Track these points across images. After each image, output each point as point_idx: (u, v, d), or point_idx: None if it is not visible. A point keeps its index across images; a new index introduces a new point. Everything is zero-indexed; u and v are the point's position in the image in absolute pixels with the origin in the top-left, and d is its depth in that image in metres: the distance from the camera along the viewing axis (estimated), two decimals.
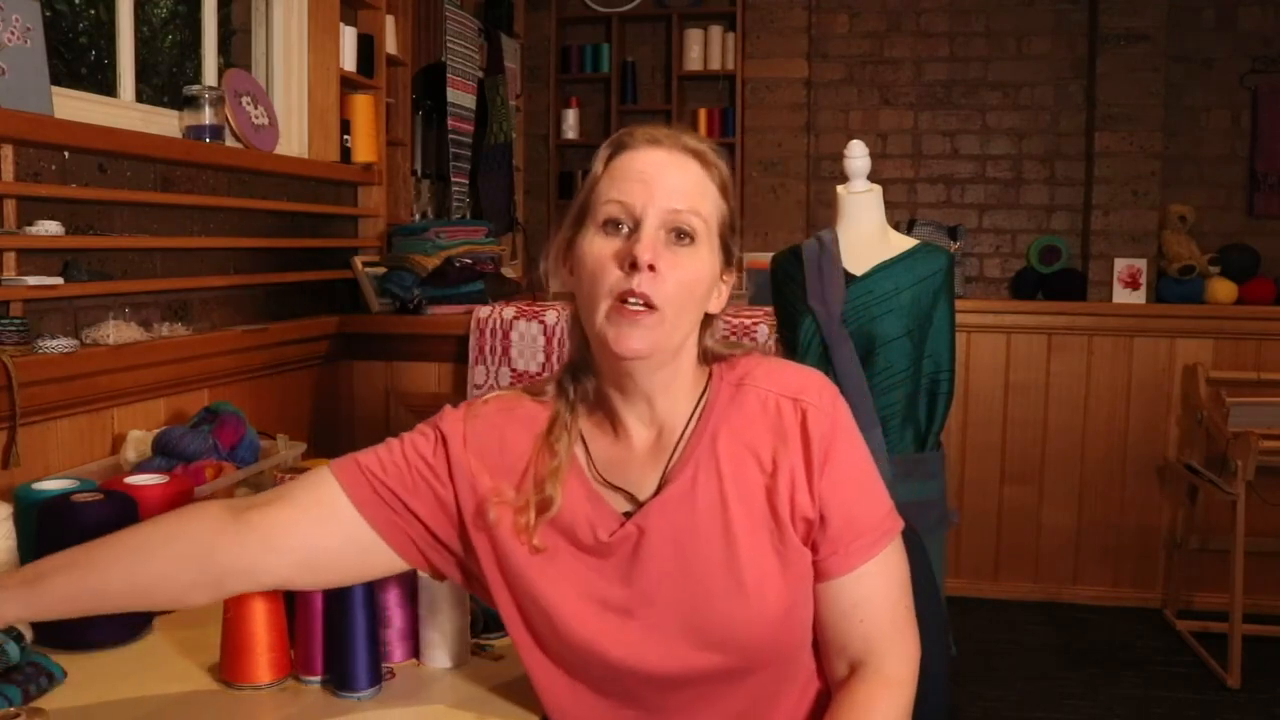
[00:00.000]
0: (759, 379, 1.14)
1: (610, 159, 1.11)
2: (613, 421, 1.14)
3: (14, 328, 1.70)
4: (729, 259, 1.13)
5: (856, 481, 1.12)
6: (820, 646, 1.15)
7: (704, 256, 1.09)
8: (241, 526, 1.14)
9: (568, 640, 1.10)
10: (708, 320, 1.14)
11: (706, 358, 1.16)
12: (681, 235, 1.07)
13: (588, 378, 1.15)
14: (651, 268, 1.04)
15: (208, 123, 2.36)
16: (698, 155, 1.10)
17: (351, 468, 1.18)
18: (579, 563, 1.11)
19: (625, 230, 1.07)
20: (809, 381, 1.14)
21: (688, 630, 1.09)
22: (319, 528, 1.15)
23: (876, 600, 1.11)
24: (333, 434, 2.78)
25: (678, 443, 1.12)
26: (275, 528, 1.14)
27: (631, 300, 1.04)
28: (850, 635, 1.12)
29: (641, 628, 1.10)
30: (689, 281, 1.07)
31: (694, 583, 1.09)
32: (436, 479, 1.15)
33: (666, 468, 1.12)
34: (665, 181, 1.07)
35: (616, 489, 1.13)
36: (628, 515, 1.11)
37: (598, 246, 1.07)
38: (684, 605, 1.09)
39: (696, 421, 1.13)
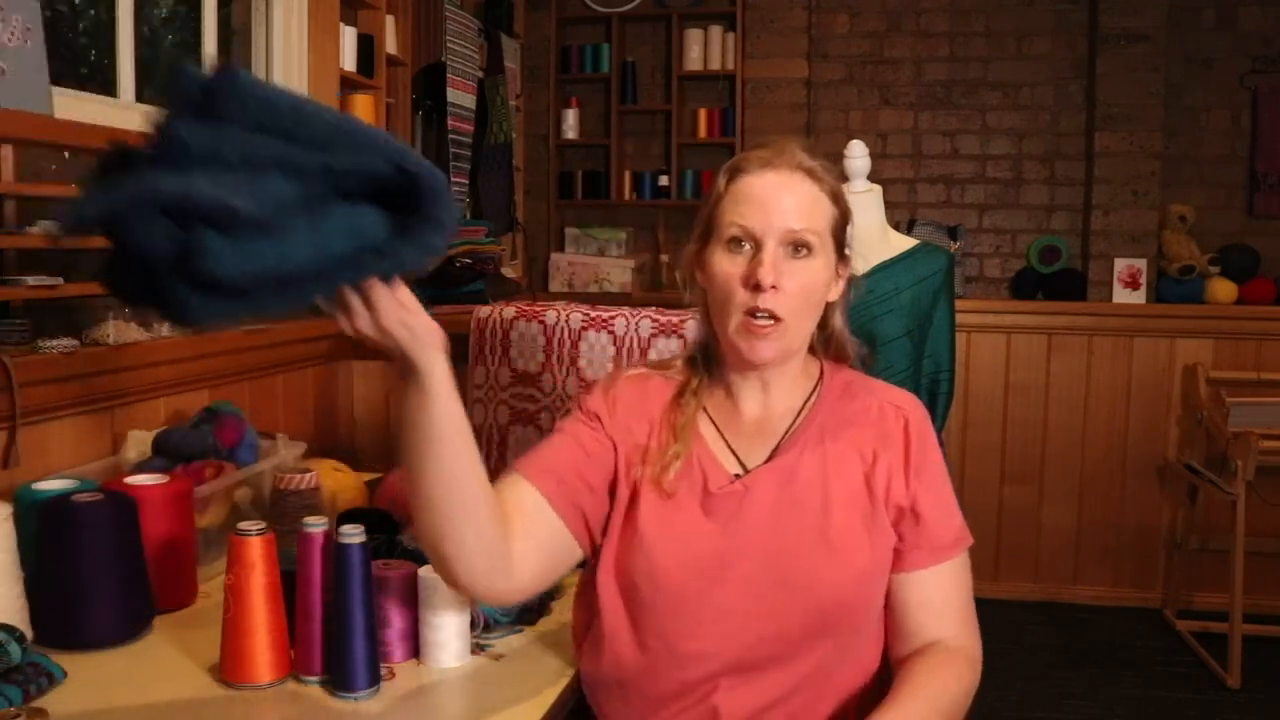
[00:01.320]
0: (866, 386, 1.32)
1: (729, 182, 1.25)
2: (728, 397, 1.30)
3: (14, 328, 1.70)
4: (842, 254, 1.28)
5: (944, 490, 1.27)
6: (892, 634, 1.27)
7: (820, 264, 1.23)
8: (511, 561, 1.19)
9: (663, 583, 1.20)
10: (829, 308, 1.29)
11: (827, 345, 1.33)
12: (799, 248, 1.21)
13: (712, 359, 1.31)
14: (774, 287, 1.18)
15: None
16: (809, 173, 1.23)
17: (539, 470, 1.25)
18: (689, 511, 1.24)
19: (748, 249, 1.21)
20: (909, 398, 1.32)
21: (775, 585, 1.19)
22: (546, 544, 1.22)
23: (949, 596, 1.25)
24: (333, 434, 2.78)
25: (790, 426, 1.27)
26: (525, 559, 1.20)
27: (759, 315, 1.19)
28: (925, 625, 1.24)
29: (734, 578, 1.20)
30: (807, 289, 1.22)
31: (787, 542, 1.21)
32: (602, 449, 1.27)
33: (778, 444, 1.26)
34: (781, 203, 1.20)
35: (731, 451, 1.27)
36: (737, 476, 1.25)
37: (726, 264, 1.22)
38: (774, 562, 1.20)
39: (809, 411, 1.28)
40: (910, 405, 1.30)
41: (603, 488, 1.27)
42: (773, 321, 1.19)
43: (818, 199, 1.23)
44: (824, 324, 1.30)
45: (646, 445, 1.27)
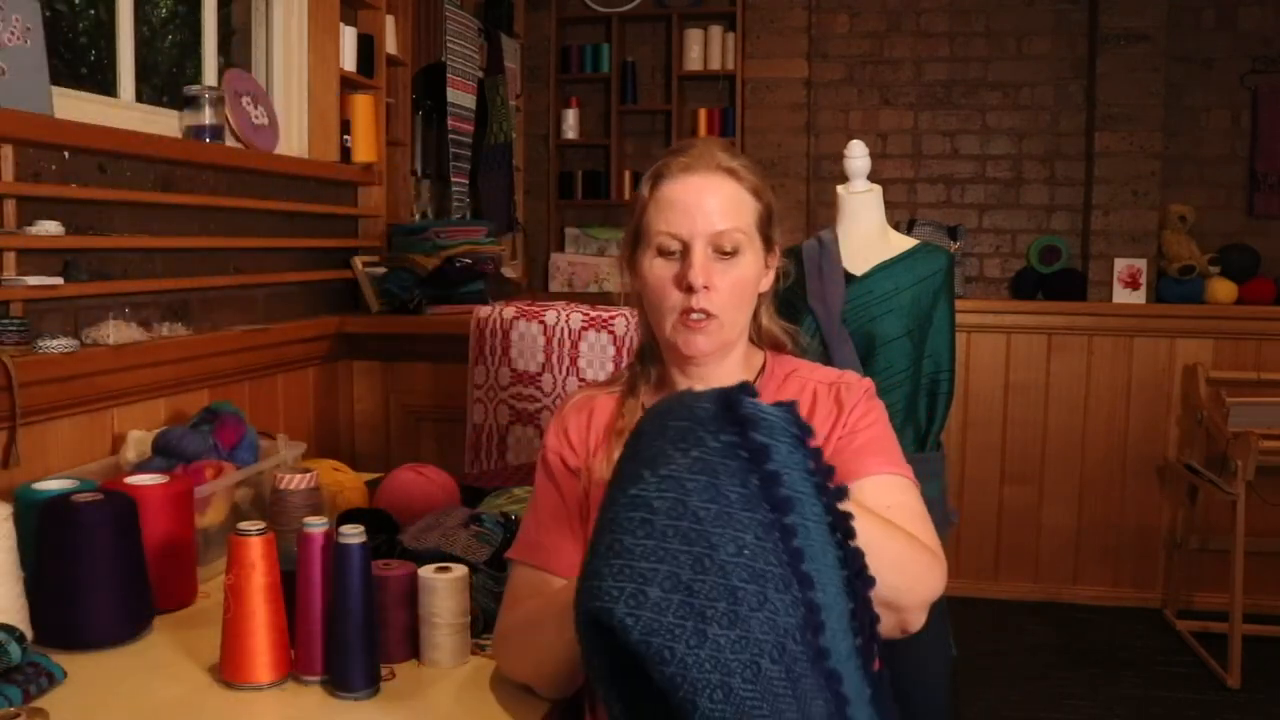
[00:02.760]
0: (804, 371, 1.32)
1: (653, 189, 1.27)
2: None
3: (14, 328, 1.70)
4: (770, 245, 1.30)
5: (884, 426, 1.26)
6: None
7: (749, 260, 1.25)
8: None
9: None
10: (760, 299, 1.31)
11: (761, 336, 1.35)
12: (726, 247, 1.23)
13: (653, 362, 1.35)
14: (706, 286, 1.21)
15: (208, 123, 2.36)
16: (730, 172, 1.25)
17: (538, 551, 1.29)
18: None
19: (677, 253, 1.24)
20: (847, 374, 1.32)
21: None
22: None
23: (900, 503, 1.18)
24: (333, 434, 2.78)
25: None
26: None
27: (693, 315, 1.22)
28: None
29: None
30: (738, 285, 1.24)
31: None
32: (573, 487, 1.31)
33: None
34: (704, 205, 1.23)
35: None
36: None
37: (657, 269, 1.25)
38: None
39: None
40: (846, 379, 1.30)
41: (586, 525, 1.29)
42: (706, 317, 1.23)
43: (740, 197, 1.25)
44: (754, 315, 1.33)
45: (592, 463, 1.30)
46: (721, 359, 1.28)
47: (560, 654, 1.16)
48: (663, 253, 1.24)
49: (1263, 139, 4.62)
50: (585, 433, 1.33)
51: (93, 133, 1.95)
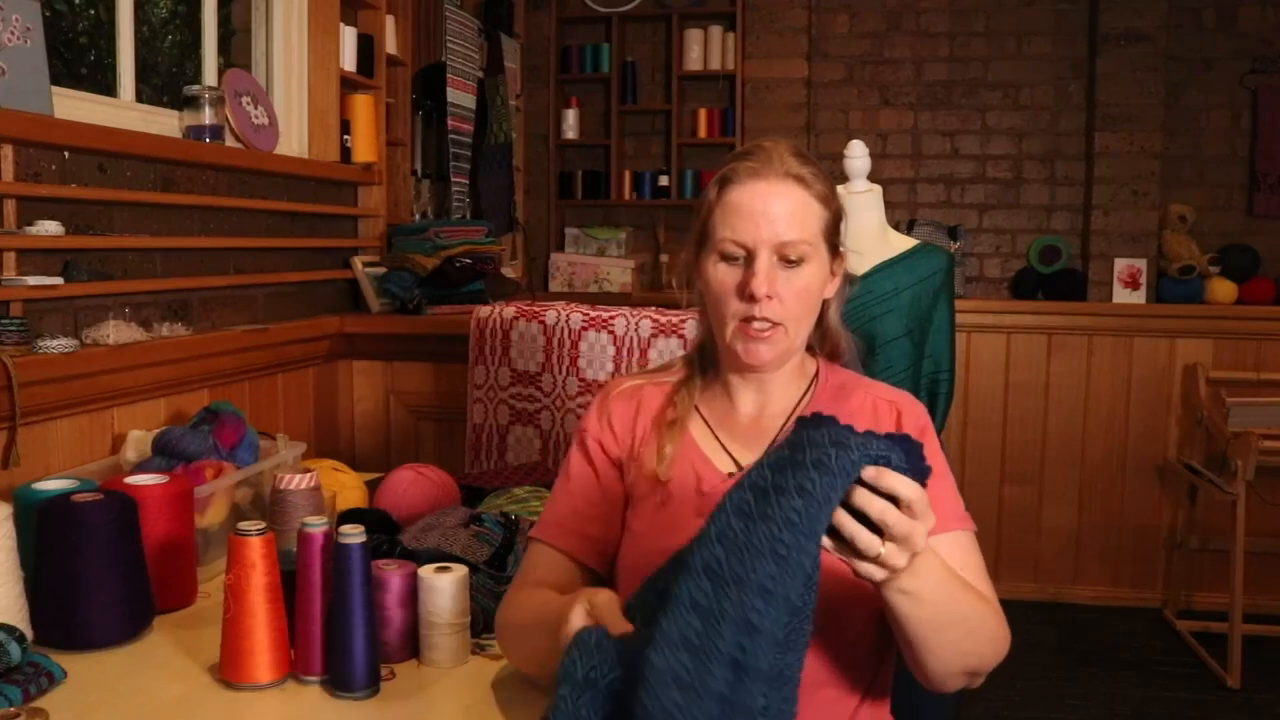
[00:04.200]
0: (861, 385, 1.32)
1: (719, 193, 1.24)
2: (726, 397, 1.32)
3: (14, 328, 1.70)
4: (836, 252, 1.28)
5: (940, 473, 1.22)
6: None
7: (814, 270, 1.23)
8: None
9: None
10: (825, 304, 1.30)
11: (823, 340, 1.34)
12: (791, 257, 1.21)
13: (710, 363, 1.34)
14: (769, 296, 1.19)
15: (208, 123, 2.36)
16: (798, 179, 1.22)
17: (563, 533, 1.30)
18: (684, 508, 1.25)
19: (741, 260, 1.22)
20: (904, 395, 1.32)
21: None
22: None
23: (965, 562, 1.23)
24: (333, 434, 2.78)
25: (785, 424, 1.28)
26: None
27: (756, 324, 1.21)
28: None
29: None
30: (803, 293, 1.23)
31: None
32: (608, 474, 1.32)
33: (773, 442, 1.26)
34: (770, 212, 1.20)
35: (725, 451, 1.29)
36: (731, 475, 1.26)
37: (720, 274, 1.23)
38: None
39: (802, 409, 1.28)
40: (904, 401, 1.30)
41: (618, 515, 1.30)
42: (771, 326, 1.21)
43: (808, 205, 1.22)
44: (820, 319, 1.31)
45: (640, 453, 1.30)
46: (779, 367, 1.27)
47: (552, 660, 1.16)
48: (726, 258, 1.22)
49: (1263, 139, 4.62)
50: (631, 423, 1.33)
51: (93, 133, 1.95)
